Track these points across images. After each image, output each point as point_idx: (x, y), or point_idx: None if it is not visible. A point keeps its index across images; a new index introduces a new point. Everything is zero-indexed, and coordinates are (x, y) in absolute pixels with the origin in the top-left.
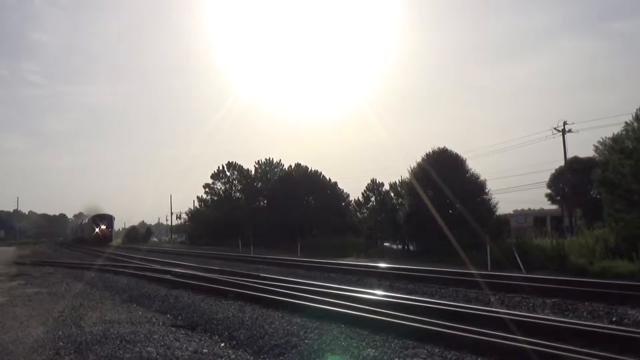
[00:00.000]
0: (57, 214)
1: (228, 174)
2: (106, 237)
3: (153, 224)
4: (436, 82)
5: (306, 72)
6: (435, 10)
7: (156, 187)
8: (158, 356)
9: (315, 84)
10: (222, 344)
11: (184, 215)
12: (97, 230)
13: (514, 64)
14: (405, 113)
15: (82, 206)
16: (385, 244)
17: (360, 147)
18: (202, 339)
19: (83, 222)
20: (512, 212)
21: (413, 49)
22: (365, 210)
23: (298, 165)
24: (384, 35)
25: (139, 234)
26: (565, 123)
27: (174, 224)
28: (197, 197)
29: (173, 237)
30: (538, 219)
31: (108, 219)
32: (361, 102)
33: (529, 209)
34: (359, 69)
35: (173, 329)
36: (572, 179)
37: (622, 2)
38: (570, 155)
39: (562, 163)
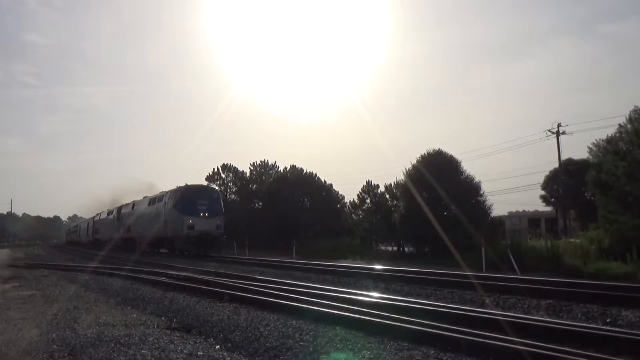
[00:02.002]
0: (51, 216)
1: (223, 175)
2: (212, 241)
3: None
4: (431, 83)
5: (302, 73)
6: (430, 11)
7: (151, 188)
8: (153, 359)
9: (310, 85)
10: (217, 346)
11: None
12: (190, 222)
13: (509, 66)
14: (400, 114)
15: (125, 185)
16: (381, 247)
17: (355, 148)
18: (197, 341)
19: (138, 210)
20: (506, 214)
21: (408, 50)
22: (360, 212)
23: (293, 167)
24: (379, 36)
25: None
26: (559, 125)
27: None
28: None
29: None
30: (532, 220)
31: (211, 199)
32: (356, 103)
33: (524, 211)
34: (354, 70)
35: (168, 331)
36: (566, 181)
37: (618, 4)
38: (564, 157)
39: (557, 165)
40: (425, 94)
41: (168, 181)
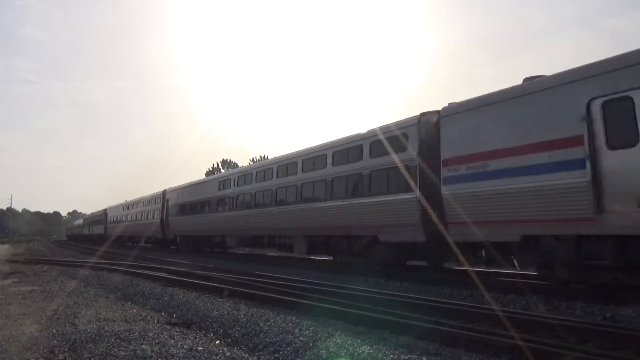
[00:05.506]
0: (51, 211)
1: (223, 171)
2: None
3: None
4: (430, 80)
5: (303, 71)
6: (430, 7)
7: (150, 184)
8: (153, 354)
9: (311, 81)
10: (217, 342)
11: None
12: None
13: (509, 61)
14: (403, 113)
15: None
16: None
17: None
18: (197, 336)
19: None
20: None
21: (407, 48)
22: None
23: None
24: (378, 36)
25: None
26: None
27: None
28: None
29: None
30: None
31: None
32: (357, 99)
33: None
34: (355, 66)
35: (168, 326)
36: None
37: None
38: None
39: None
40: (425, 91)
41: (162, 180)
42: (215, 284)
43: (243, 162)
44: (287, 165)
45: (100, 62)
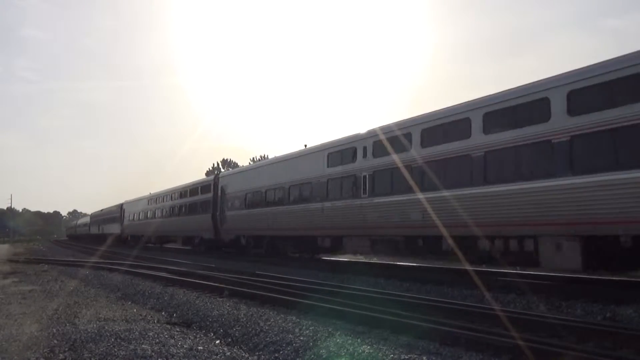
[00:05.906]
0: (51, 211)
1: (223, 170)
2: None
3: None
4: (431, 80)
5: (303, 71)
6: (431, 7)
7: (150, 184)
8: (153, 353)
9: (310, 81)
10: (217, 341)
11: None
12: None
13: (510, 60)
14: (402, 112)
15: None
16: None
17: None
18: (197, 336)
19: None
20: None
21: (407, 48)
22: None
23: None
24: (378, 36)
25: None
26: None
27: None
28: None
29: None
30: None
31: None
32: (357, 99)
33: None
34: (356, 64)
35: (168, 326)
36: None
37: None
38: None
39: None
40: (425, 91)
41: (162, 180)
42: (215, 284)
43: (243, 161)
44: (513, 108)
45: (100, 62)
